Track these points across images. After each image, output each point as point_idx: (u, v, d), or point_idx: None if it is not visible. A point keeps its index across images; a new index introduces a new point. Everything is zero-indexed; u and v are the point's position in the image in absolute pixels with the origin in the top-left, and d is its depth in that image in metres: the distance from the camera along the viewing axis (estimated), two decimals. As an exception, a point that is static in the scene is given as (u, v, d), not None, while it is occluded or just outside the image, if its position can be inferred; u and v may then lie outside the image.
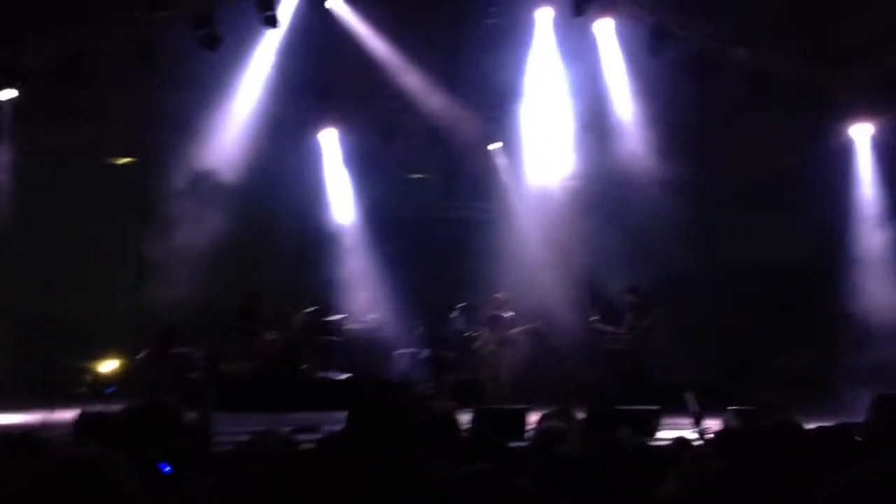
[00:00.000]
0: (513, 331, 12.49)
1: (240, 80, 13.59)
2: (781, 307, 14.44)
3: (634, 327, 12.80)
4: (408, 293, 13.61)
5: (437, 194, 15.75)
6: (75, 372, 12.29)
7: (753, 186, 15.24)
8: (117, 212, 13.93)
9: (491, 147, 15.40)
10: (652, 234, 13.79)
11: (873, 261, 13.19)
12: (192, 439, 4.16)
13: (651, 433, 8.64)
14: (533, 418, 8.48)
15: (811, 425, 4.95)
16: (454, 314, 13.53)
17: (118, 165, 14.80)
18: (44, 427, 7.50)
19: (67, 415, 7.17)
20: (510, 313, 12.63)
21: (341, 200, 15.05)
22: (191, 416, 4.39)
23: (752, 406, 7.66)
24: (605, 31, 13.76)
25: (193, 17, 11.93)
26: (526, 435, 8.09)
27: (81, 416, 4.23)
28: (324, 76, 14.23)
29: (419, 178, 15.85)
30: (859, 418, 6.58)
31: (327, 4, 13.63)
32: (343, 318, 13.40)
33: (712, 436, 5.67)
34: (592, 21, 13.53)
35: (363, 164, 14.88)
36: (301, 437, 4.35)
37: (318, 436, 5.02)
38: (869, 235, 13.48)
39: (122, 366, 12.39)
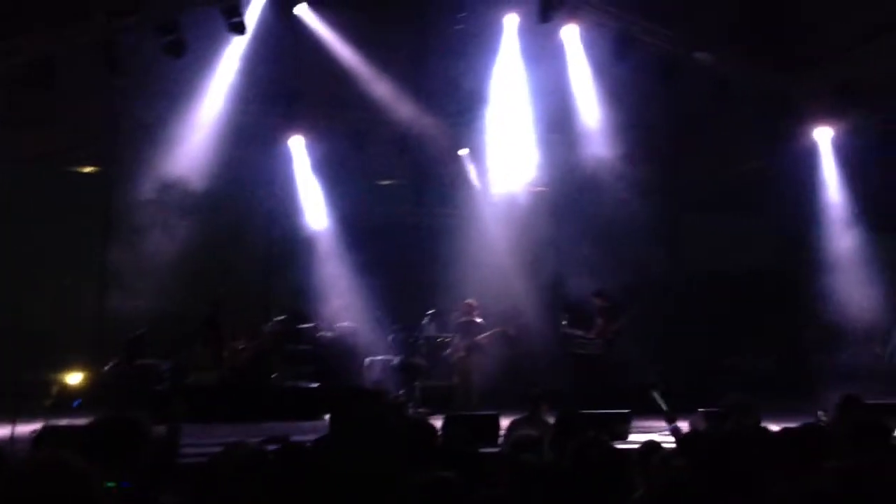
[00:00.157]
0: (482, 336, 12.52)
1: (206, 86, 13.48)
2: (749, 309, 14.61)
3: (604, 331, 12.88)
4: (379, 300, 13.58)
5: (406, 201, 15.75)
6: (40, 384, 12.09)
7: (720, 190, 15.43)
8: (82, 221, 13.76)
9: (460, 153, 15.44)
10: (619, 237, 13.91)
11: (840, 263, 13.39)
12: (159, 453, 4.10)
13: (623, 436, 8.70)
14: (504, 423, 8.48)
15: (778, 426, 5.03)
16: (424, 321, 13.52)
17: (83, 174, 14.60)
18: (11, 442, 7.38)
19: (32, 428, 7.07)
20: (480, 319, 12.65)
21: (311, 208, 14.99)
22: (159, 428, 4.33)
23: (719, 408, 7.73)
24: (571, 37, 13.88)
25: (158, 23, 11.81)
26: (499, 440, 8.10)
27: (42, 430, 4.17)
28: (292, 83, 14.18)
29: (389, 185, 15.83)
30: (826, 418, 6.69)
31: (295, 11, 13.58)
32: (314, 326, 13.33)
33: (681, 437, 5.70)
34: (559, 27, 13.63)
35: (332, 172, 14.83)
36: (271, 447, 4.30)
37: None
38: (835, 238, 13.69)
39: (87, 378, 12.21)
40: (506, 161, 14.79)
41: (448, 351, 12.83)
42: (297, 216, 14.90)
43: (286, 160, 14.98)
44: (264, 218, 14.77)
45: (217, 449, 3.71)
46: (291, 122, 14.72)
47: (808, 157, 13.98)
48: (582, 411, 6.99)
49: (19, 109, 12.56)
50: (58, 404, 12.10)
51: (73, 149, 14.06)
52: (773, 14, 13.95)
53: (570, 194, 15.11)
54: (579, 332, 13.22)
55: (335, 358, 12.94)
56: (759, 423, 5.35)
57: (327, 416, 9.34)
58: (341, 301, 13.63)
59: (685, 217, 15.97)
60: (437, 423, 7.28)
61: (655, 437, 6.13)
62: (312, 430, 8.66)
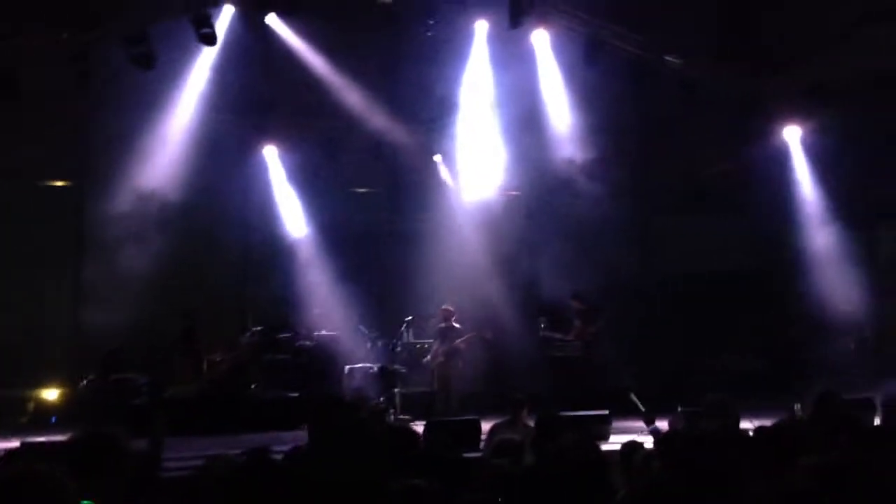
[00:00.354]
0: (459, 340, 12.54)
1: (178, 97, 13.39)
2: (724, 309, 14.71)
3: (582, 333, 12.95)
4: (357, 308, 13.56)
5: (382, 208, 15.73)
6: (16, 401, 11.95)
7: (691, 191, 15.55)
8: (54, 235, 13.60)
9: (434, 158, 15.48)
10: (591, 240, 14.00)
11: (815, 260, 13.55)
12: (141, 467, 4.08)
13: (603, 438, 8.75)
14: (485, 427, 8.50)
15: (757, 424, 5.08)
16: (402, 328, 13.52)
17: (54, 187, 14.42)
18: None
19: (10, 445, 6.98)
20: (457, 325, 12.68)
21: (288, 217, 14.93)
22: (140, 443, 4.30)
23: (698, 407, 7.78)
24: (541, 42, 13.97)
25: (127, 35, 11.71)
26: (480, 445, 8.12)
27: (20, 447, 4.13)
28: (263, 93, 14.13)
29: (364, 193, 15.80)
30: (801, 413, 6.77)
31: (265, 21, 13.54)
32: (292, 336, 13.27)
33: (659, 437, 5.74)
34: (529, 33, 13.72)
35: (307, 181, 14.78)
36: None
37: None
38: (809, 236, 13.85)
39: (64, 394, 12.09)
40: (478, 166, 14.84)
41: (427, 357, 12.84)
42: (274, 226, 14.83)
43: (260, 170, 14.90)
44: (239, 228, 14.68)
45: (197, 462, 3.70)
46: (264, 131, 14.66)
47: (779, 157, 14.15)
48: (562, 414, 7.04)
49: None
50: (34, 421, 11.99)
51: (43, 162, 13.87)
52: (740, 17, 14.14)
53: (541, 198, 15.19)
54: (558, 335, 13.29)
55: (314, 367, 12.89)
56: (738, 422, 5.40)
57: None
58: (319, 310, 13.59)
59: (656, 219, 16.08)
60: (419, 429, 7.29)
61: (636, 437, 6.18)
62: (293, 440, 8.62)
